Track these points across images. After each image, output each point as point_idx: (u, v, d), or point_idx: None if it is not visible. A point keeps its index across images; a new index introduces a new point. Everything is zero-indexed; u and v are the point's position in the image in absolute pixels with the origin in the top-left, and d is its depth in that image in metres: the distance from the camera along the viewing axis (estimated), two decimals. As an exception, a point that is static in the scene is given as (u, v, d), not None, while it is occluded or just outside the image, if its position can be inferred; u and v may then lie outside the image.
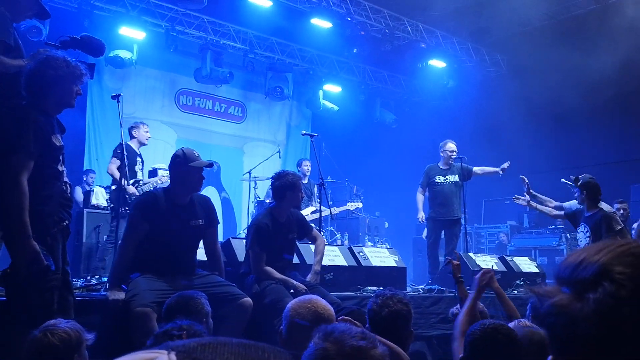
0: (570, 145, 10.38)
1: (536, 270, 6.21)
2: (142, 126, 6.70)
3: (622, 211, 7.08)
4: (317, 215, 8.21)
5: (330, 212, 7.96)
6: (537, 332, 2.35)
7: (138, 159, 6.52)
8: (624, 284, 0.64)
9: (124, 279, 3.62)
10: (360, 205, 9.28)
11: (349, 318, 2.27)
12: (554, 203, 6.31)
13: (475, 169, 7.33)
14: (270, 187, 4.76)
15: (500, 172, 7.00)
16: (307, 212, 8.59)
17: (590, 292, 0.66)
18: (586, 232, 5.68)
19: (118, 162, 5.91)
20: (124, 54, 9.07)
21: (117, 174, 6.00)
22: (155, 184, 6.30)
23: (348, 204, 9.08)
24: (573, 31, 10.13)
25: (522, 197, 6.39)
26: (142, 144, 6.65)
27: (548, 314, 0.71)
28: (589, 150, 10.19)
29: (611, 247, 0.70)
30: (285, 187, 4.55)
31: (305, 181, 8.83)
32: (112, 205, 6.23)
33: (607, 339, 0.64)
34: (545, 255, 9.49)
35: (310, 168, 8.93)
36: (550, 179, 7.97)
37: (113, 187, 6.33)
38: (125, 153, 5.62)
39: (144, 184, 6.40)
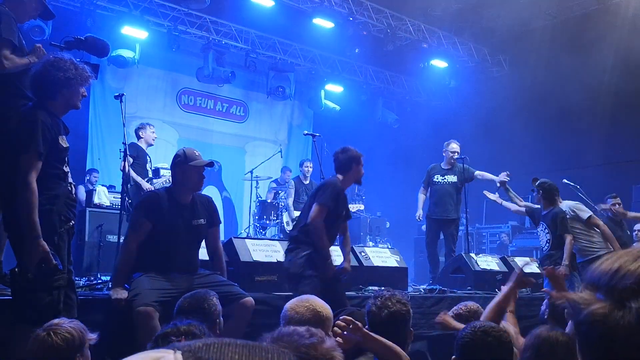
0: (572, 146, 10.37)
1: (537, 270, 6.21)
2: (149, 127, 6.90)
3: (616, 205, 7.10)
4: None
5: None
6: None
7: (148, 158, 6.75)
8: None
9: (126, 278, 3.64)
10: (361, 207, 9.29)
11: (350, 318, 2.29)
12: (523, 202, 6.87)
13: (476, 173, 7.32)
14: (335, 160, 4.92)
15: (498, 184, 7.02)
16: None
17: (632, 300, 0.65)
18: (544, 229, 6.16)
19: (130, 161, 6.05)
20: (126, 53, 9.08)
21: (134, 175, 6.29)
22: (163, 184, 6.37)
23: (350, 205, 9.07)
24: (575, 31, 10.12)
25: (491, 193, 6.98)
26: (149, 144, 6.85)
27: (584, 322, 0.69)
28: (590, 151, 10.18)
29: None
30: (352, 160, 4.84)
31: (307, 182, 8.85)
32: (130, 202, 6.28)
33: None
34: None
35: (311, 169, 8.93)
36: (552, 179, 7.97)
37: (129, 186, 6.40)
38: (134, 153, 6.08)
39: (155, 183, 6.56)
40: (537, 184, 6.28)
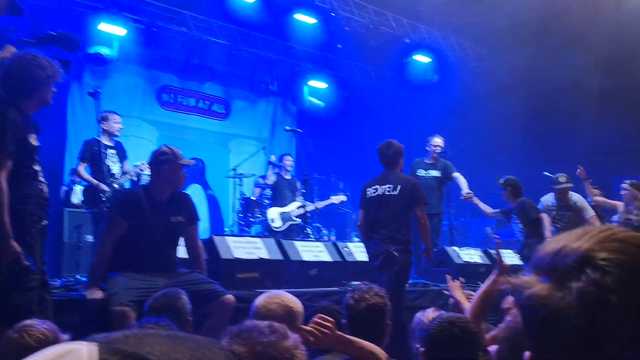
0: (553, 139, 10.44)
1: (519, 262, 6.25)
2: (112, 116, 6.27)
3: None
4: (302, 211, 8.20)
5: (315, 206, 7.96)
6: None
7: (109, 151, 6.16)
8: (609, 271, 0.60)
9: (102, 277, 3.57)
10: (344, 198, 9.27)
11: (323, 316, 2.25)
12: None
13: (455, 174, 7.31)
14: (382, 154, 5.25)
15: (462, 196, 7.22)
16: (292, 207, 8.57)
17: (572, 280, 0.62)
18: (516, 221, 6.64)
19: (84, 164, 5.92)
20: (104, 50, 8.95)
21: (85, 175, 5.95)
22: (132, 175, 6.15)
23: (332, 197, 9.06)
24: (556, 26, 10.17)
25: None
26: (113, 135, 6.25)
27: (526, 306, 0.66)
28: (572, 144, 10.25)
29: (593, 232, 0.66)
30: (399, 154, 5.21)
31: (288, 177, 8.82)
32: (85, 206, 6.13)
33: (591, 331, 0.59)
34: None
35: (292, 163, 8.90)
36: (533, 172, 8.02)
37: (81, 187, 6.28)
38: (88, 155, 5.78)
39: (120, 177, 6.13)
40: (503, 180, 6.68)
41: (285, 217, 8.55)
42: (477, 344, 2.24)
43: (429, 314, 2.83)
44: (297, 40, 10.83)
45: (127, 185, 6.12)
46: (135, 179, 6.16)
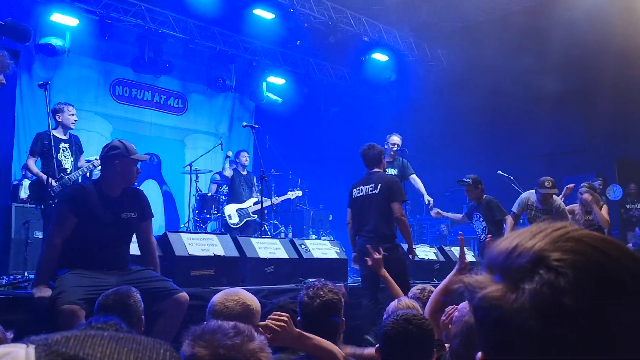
0: (506, 139, 10.69)
1: (473, 259, 6.38)
2: (67, 108, 5.99)
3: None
4: (259, 207, 8.16)
5: (272, 202, 7.92)
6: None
7: (62, 145, 5.89)
8: (563, 272, 0.59)
9: (51, 275, 3.46)
10: (300, 193, 9.27)
11: (279, 314, 2.24)
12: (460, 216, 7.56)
13: (413, 176, 7.39)
14: (364, 156, 5.50)
15: (427, 201, 7.41)
16: (249, 203, 8.51)
17: (525, 281, 0.60)
18: (479, 218, 6.79)
19: (35, 158, 5.67)
20: (55, 41, 8.66)
21: (34, 169, 5.68)
22: (85, 170, 5.89)
23: (289, 192, 9.05)
24: (510, 27, 10.40)
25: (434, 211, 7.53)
26: (68, 128, 5.98)
27: (478, 307, 0.64)
28: (524, 144, 10.52)
29: (547, 230, 0.64)
30: (380, 155, 5.47)
31: (245, 173, 8.77)
32: (30, 201, 5.89)
33: (544, 334, 0.58)
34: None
35: (249, 159, 8.85)
36: (487, 170, 8.19)
37: (28, 182, 6.03)
38: (37, 149, 5.53)
39: (73, 172, 5.87)
40: (468, 178, 6.83)
41: (242, 213, 8.49)
42: (432, 341, 2.27)
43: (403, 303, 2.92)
44: (256, 36, 10.75)
45: (79, 180, 5.93)
46: (87, 174, 5.95)
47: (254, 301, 2.35)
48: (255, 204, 8.37)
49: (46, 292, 3.35)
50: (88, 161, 6.08)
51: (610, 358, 0.57)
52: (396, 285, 3.72)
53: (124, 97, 10.53)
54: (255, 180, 8.66)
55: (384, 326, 2.24)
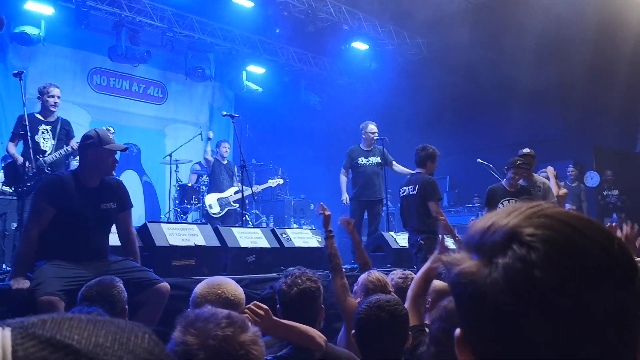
0: (485, 128, 10.79)
1: (452, 247, 6.42)
2: (47, 89, 5.79)
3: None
4: (239, 196, 8.14)
5: (252, 190, 7.91)
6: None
7: (42, 127, 5.71)
8: (535, 246, 0.60)
9: (29, 266, 3.42)
10: (281, 181, 9.26)
11: (257, 303, 2.24)
12: None
13: (394, 163, 7.41)
14: (415, 155, 6.01)
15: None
16: (230, 192, 8.48)
17: (499, 257, 0.62)
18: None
19: (14, 142, 5.59)
20: (30, 30, 8.51)
21: (12, 151, 5.59)
22: (63, 153, 5.72)
23: (270, 180, 9.03)
24: (489, 17, 10.46)
25: None
26: (48, 110, 5.79)
27: (455, 283, 0.66)
28: (502, 132, 10.62)
29: (521, 209, 0.65)
30: (428, 157, 5.91)
31: (225, 162, 8.74)
32: (5, 182, 5.77)
33: (517, 307, 0.59)
34: (462, 233, 9.80)
35: (229, 150, 8.82)
36: (467, 159, 8.27)
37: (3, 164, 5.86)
38: (16, 130, 5.39)
39: (51, 154, 5.66)
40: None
41: (222, 202, 8.46)
42: (406, 327, 2.29)
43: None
44: (235, 24, 10.66)
45: (60, 162, 5.77)
46: (67, 158, 5.80)
47: (235, 294, 2.33)
48: (236, 193, 8.35)
49: (24, 284, 3.31)
50: (65, 145, 5.99)
51: (581, 330, 0.58)
52: (364, 252, 3.92)
53: (102, 87, 10.39)
54: (236, 169, 8.63)
55: (357, 313, 2.27)
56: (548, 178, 6.81)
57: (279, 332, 2.30)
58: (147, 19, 9.79)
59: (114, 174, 4.05)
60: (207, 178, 8.83)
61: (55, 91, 5.86)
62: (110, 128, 5.73)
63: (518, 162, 6.18)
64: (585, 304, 0.59)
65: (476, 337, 0.65)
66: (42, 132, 5.74)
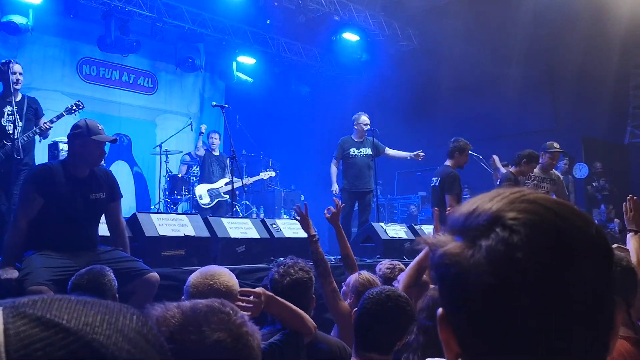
0: (474, 119, 10.81)
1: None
2: (10, 65, 5.24)
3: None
4: (230, 187, 8.14)
5: (243, 182, 7.91)
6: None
7: (7, 109, 5.22)
8: (517, 229, 0.62)
9: (17, 257, 3.42)
10: (273, 174, 9.26)
11: (248, 289, 2.26)
12: None
13: (387, 150, 7.46)
14: (450, 147, 6.41)
15: (412, 155, 7.43)
16: (220, 183, 8.48)
17: (482, 239, 0.64)
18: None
19: None
20: (18, 19, 8.42)
21: None
22: (31, 136, 5.24)
23: (261, 173, 9.03)
24: (480, 7, 10.47)
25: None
26: (10, 89, 5.20)
27: (439, 264, 0.68)
28: (491, 124, 10.66)
29: (505, 194, 0.68)
30: (457, 150, 6.26)
31: (217, 153, 8.73)
32: None
33: (498, 288, 0.62)
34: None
35: (219, 140, 8.81)
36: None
37: None
38: None
39: (18, 139, 5.12)
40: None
41: (213, 193, 8.46)
42: (411, 318, 2.28)
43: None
44: (225, 14, 10.61)
45: (30, 145, 5.35)
46: (32, 139, 5.30)
47: (228, 285, 2.32)
48: (227, 184, 8.35)
49: (13, 274, 3.31)
50: (55, 143, 5.88)
51: (559, 309, 0.61)
52: (347, 244, 3.81)
53: (91, 77, 10.33)
54: (228, 161, 8.62)
55: (364, 300, 2.25)
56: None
57: (272, 308, 2.32)
58: (136, 9, 9.71)
59: (104, 164, 4.04)
60: (198, 169, 8.82)
61: (17, 67, 5.38)
62: (80, 103, 5.31)
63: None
64: (564, 284, 0.61)
65: (457, 316, 0.67)
66: (8, 115, 5.25)
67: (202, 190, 8.47)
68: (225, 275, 2.37)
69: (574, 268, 0.62)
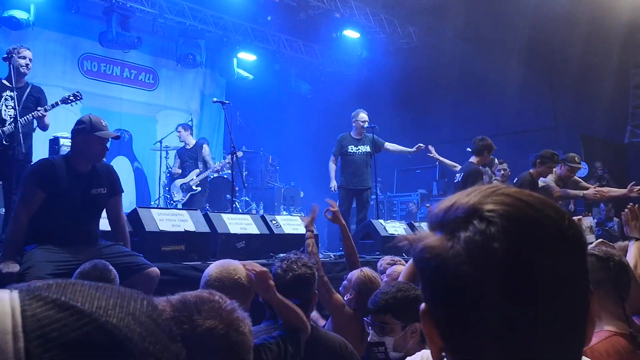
0: (474, 117, 10.83)
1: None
2: (16, 50, 5.15)
3: (502, 171, 7.63)
4: (202, 176, 8.14)
5: (215, 169, 7.88)
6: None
7: (6, 94, 5.08)
8: (493, 221, 0.65)
9: (18, 251, 3.44)
10: (240, 153, 8.43)
11: (253, 265, 2.29)
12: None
13: (387, 144, 7.47)
14: (473, 144, 6.58)
15: (412, 151, 7.45)
16: (191, 176, 8.40)
17: (461, 231, 0.66)
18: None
19: None
20: (19, 14, 8.43)
21: None
22: (23, 122, 4.99)
23: (227, 157, 8.69)
24: (480, 5, 10.48)
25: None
26: (19, 74, 5.14)
27: (420, 258, 0.70)
28: (491, 122, 10.67)
29: (481, 189, 0.71)
30: (483, 148, 6.43)
31: (189, 146, 8.59)
32: None
33: (476, 278, 0.64)
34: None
35: (186, 132, 8.63)
36: (458, 147, 8.32)
37: None
38: None
39: (9, 124, 4.99)
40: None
41: (184, 188, 8.40)
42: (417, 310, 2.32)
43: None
44: (226, 11, 10.62)
45: (25, 132, 5.13)
46: (24, 126, 5.03)
47: (249, 277, 2.36)
48: (197, 175, 8.31)
49: (14, 268, 3.33)
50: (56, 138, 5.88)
51: (535, 297, 0.63)
52: (352, 243, 3.90)
53: (92, 72, 10.34)
54: (204, 150, 8.53)
55: (376, 294, 2.29)
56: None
57: (273, 300, 2.35)
58: (138, 5, 9.72)
59: (105, 160, 4.07)
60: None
61: (27, 53, 5.26)
62: (78, 94, 5.22)
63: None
64: (538, 272, 0.64)
65: (438, 308, 0.69)
66: (5, 99, 5.08)
67: (175, 187, 8.47)
68: (244, 271, 2.40)
69: (549, 256, 0.64)
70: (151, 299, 0.56)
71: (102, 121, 3.73)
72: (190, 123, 9.07)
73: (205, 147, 8.63)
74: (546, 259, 0.64)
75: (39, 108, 5.13)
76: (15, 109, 4.94)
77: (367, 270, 3.22)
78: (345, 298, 3.20)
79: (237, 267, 2.37)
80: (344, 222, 3.90)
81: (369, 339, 2.25)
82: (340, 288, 3.38)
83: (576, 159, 6.67)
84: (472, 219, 0.66)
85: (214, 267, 2.36)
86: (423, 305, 0.73)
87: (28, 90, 5.24)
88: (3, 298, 0.48)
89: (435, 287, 0.69)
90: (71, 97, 5.15)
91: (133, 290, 0.56)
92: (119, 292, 0.53)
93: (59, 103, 5.14)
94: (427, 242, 0.69)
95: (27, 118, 5.03)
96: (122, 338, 0.49)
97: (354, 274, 3.20)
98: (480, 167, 6.57)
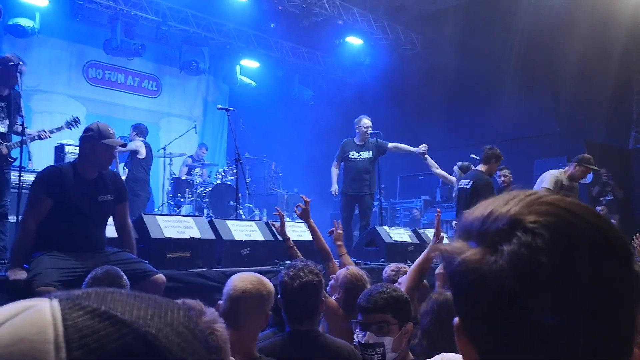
0: (477, 122, 10.84)
1: (446, 241, 6.50)
2: (22, 67, 4.84)
3: (502, 178, 7.63)
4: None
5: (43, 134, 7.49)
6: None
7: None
8: (539, 232, 0.61)
9: (25, 258, 3.45)
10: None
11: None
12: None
13: (390, 145, 7.47)
14: (483, 152, 6.63)
15: (415, 151, 7.43)
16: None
17: (504, 244, 0.62)
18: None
19: None
20: (25, 22, 8.49)
21: None
22: (29, 142, 4.80)
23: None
24: (482, 11, 10.51)
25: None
26: (5, 83, 4.82)
27: (457, 272, 0.66)
28: (494, 127, 10.67)
29: (520, 197, 0.67)
30: (491, 157, 6.52)
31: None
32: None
33: (522, 293, 0.61)
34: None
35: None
36: (461, 154, 8.32)
37: None
38: None
39: (12, 143, 4.81)
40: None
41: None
42: (409, 310, 2.33)
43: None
44: (229, 18, 10.67)
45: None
46: (24, 139, 4.73)
47: (270, 286, 2.39)
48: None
49: (21, 275, 3.34)
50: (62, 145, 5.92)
51: (585, 310, 0.61)
52: (321, 237, 3.98)
53: (97, 80, 10.39)
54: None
55: (364, 294, 2.31)
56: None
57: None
58: (142, 13, 9.78)
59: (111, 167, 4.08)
60: (199, 170, 8.82)
61: (25, 69, 4.98)
62: (77, 118, 5.47)
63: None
64: (588, 284, 0.61)
65: (478, 324, 0.66)
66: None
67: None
68: (267, 282, 2.42)
69: (598, 267, 0.61)
70: (187, 309, 0.56)
71: (109, 129, 3.75)
72: (194, 130, 9.10)
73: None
74: (596, 271, 0.62)
75: (45, 130, 5.21)
76: (8, 119, 4.81)
77: (353, 268, 3.22)
78: (332, 298, 3.17)
79: (262, 280, 2.37)
80: (311, 220, 3.96)
81: (360, 340, 2.25)
82: (327, 288, 3.36)
83: (591, 160, 6.75)
84: (514, 231, 0.63)
85: (239, 281, 2.36)
86: (457, 319, 0.69)
87: (13, 97, 4.91)
88: (44, 307, 0.47)
89: (474, 302, 0.65)
90: (73, 123, 5.49)
91: (168, 300, 0.56)
92: (155, 302, 0.53)
93: (64, 127, 5.48)
94: (467, 256, 0.65)
95: (32, 137, 4.96)
96: (162, 349, 0.48)
97: (341, 273, 3.18)
98: (488, 176, 6.60)
